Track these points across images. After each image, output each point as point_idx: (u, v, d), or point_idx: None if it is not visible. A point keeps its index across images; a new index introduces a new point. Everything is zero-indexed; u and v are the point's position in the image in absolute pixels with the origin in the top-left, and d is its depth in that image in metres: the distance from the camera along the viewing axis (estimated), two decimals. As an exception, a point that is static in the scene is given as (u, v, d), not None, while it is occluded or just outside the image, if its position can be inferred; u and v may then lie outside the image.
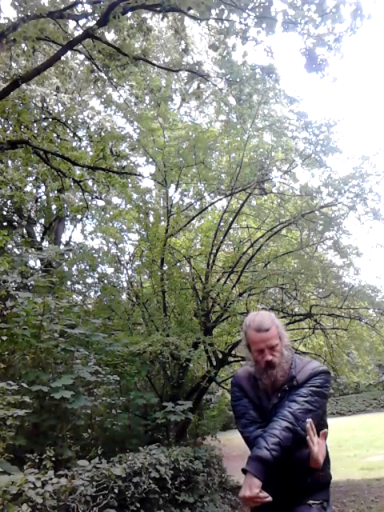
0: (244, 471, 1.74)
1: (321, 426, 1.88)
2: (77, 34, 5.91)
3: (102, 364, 5.19)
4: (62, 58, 6.49)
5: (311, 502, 1.85)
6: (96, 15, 5.34)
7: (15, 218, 12.28)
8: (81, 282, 9.12)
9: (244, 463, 1.96)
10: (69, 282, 8.91)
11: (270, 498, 1.68)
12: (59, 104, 9.62)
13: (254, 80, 6.53)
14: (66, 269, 9.11)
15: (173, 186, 7.97)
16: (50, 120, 9.54)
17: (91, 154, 9.51)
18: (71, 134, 10.60)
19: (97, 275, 8.72)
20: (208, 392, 9.63)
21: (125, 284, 8.67)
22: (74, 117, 10.18)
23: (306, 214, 6.86)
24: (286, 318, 7.67)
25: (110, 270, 8.82)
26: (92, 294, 9.20)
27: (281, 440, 1.72)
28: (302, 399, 1.82)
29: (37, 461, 3.42)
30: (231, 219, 7.60)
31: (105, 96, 8.17)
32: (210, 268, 7.55)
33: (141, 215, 8.21)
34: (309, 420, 1.79)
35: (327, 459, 1.91)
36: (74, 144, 10.58)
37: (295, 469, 1.82)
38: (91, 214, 11.61)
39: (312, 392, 1.85)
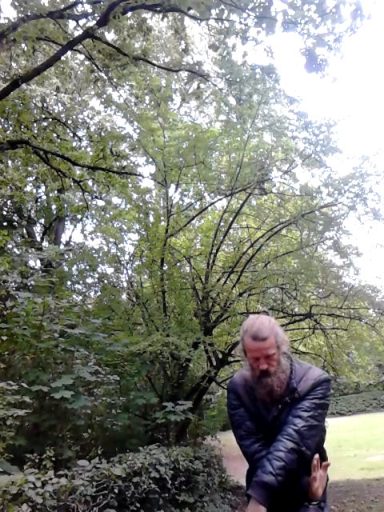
0: (248, 496, 1.70)
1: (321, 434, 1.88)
2: (77, 34, 5.90)
3: (102, 364, 5.20)
4: (62, 58, 6.49)
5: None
6: (96, 15, 5.34)
7: (15, 217, 12.29)
8: (81, 282, 9.12)
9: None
10: (69, 282, 8.92)
11: None
12: (59, 104, 9.62)
13: (254, 80, 6.51)
14: (66, 269, 9.13)
15: (173, 186, 7.97)
16: (50, 120, 9.53)
17: (91, 154, 9.49)
18: (71, 134, 10.60)
19: (97, 275, 8.73)
20: (208, 392, 9.63)
21: (125, 284, 8.68)
22: (74, 117, 10.18)
23: (306, 213, 6.86)
24: (285, 318, 7.68)
25: (110, 270, 8.85)
26: (92, 294, 9.23)
27: (286, 463, 1.67)
28: (306, 414, 1.76)
29: (37, 461, 3.43)
30: (231, 219, 7.60)
31: (105, 96, 8.16)
32: (210, 268, 7.55)
33: (141, 215, 8.21)
34: (316, 456, 1.76)
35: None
36: (74, 144, 10.57)
37: (294, 491, 1.80)
38: (91, 214, 11.61)
39: (315, 405, 1.78)
